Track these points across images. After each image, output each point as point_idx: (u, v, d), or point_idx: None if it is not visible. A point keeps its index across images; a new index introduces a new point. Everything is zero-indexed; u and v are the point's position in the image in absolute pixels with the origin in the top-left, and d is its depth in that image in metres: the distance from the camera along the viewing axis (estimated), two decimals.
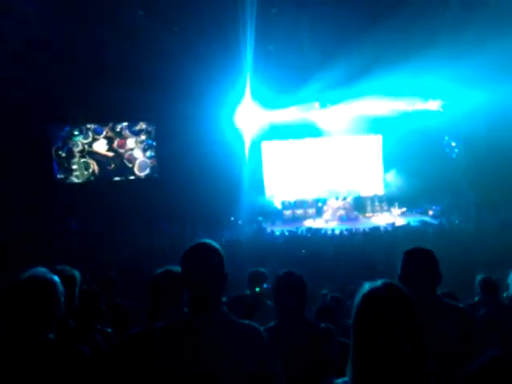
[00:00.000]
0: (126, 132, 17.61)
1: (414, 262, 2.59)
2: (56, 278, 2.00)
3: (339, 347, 2.77)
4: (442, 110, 16.92)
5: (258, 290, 4.10)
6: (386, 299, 1.42)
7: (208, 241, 2.04)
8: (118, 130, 17.55)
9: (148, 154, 17.69)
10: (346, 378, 1.48)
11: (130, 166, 17.66)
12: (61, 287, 2.00)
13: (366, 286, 1.47)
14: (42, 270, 2.00)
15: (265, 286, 4.19)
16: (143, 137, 17.65)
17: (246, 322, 1.98)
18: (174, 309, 2.36)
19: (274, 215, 17.55)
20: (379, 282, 1.47)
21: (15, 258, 9.73)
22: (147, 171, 17.71)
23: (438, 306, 2.54)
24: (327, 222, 16.35)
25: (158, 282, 2.55)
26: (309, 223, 16.35)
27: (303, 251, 11.24)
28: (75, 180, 17.32)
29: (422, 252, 2.66)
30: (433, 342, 2.16)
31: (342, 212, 17.16)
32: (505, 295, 4.30)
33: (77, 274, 2.85)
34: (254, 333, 1.93)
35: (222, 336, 1.87)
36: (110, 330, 3.04)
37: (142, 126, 17.59)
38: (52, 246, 12.00)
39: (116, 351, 2.52)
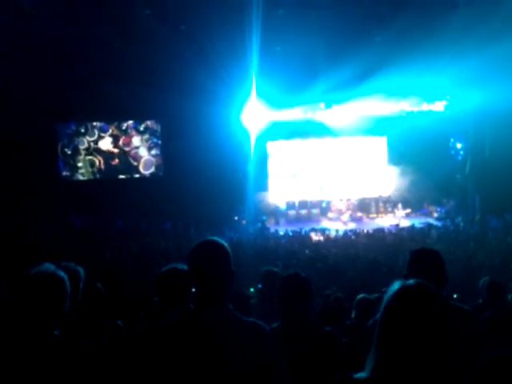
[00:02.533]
0: (132, 130, 17.65)
1: (420, 262, 2.58)
2: (64, 275, 2.02)
3: (345, 349, 2.76)
4: (446, 111, 16.83)
5: (252, 290, 4.07)
6: (418, 297, 1.45)
7: (215, 238, 2.05)
8: (123, 128, 17.59)
9: (153, 152, 17.72)
10: (363, 373, 1.50)
11: (135, 164, 17.70)
12: (68, 284, 2.02)
13: (398, 284, 1.50)
14: (50, 267, 2.01)
15: (259, 286, 4.15)
16: (149, 135, 17.68)
17: (251, 319, 1.99)
18: (179, 305, 2.37)
19: (278, 215, 17.56)
20: (412, 281, 1.50)
21: (16, 252, 9.78)
22: (152, 169, 17.74)
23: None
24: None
25: (164, 280, 2.56)
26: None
27: (307, 251, 11.24)
28: (80, 177, 17.38)
29: (429, 252, 2.66)
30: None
31: (348, 213, 17.07)
32: (510, 297, 4.30)
33: (81, 270, 2.87)
34: (260, 330, 1.94)
35: (228, 332, 1.88)
36: (119, 323, 3.05)
37: (148, 124, 17.63)
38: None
39: (124, 347, 2.53)
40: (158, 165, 17.69)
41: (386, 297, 1.50)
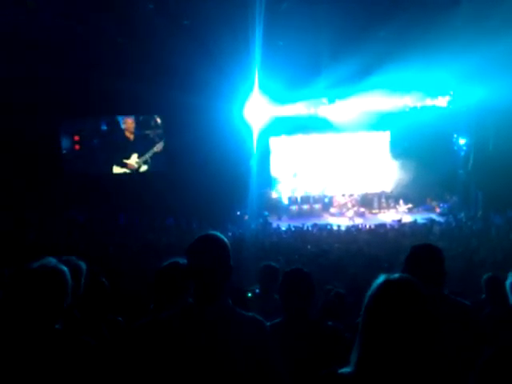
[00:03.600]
0: (135, 125, 17.65)
1: (418, 258, 2.59)
2: (66, 269, 2.03)
3: (346, 344, 2.76)
4: (450, 106, 16.77)
5: (249, 295, 4.05)
6: (402, 290, 1.45)
7: (215, 232, 2.05)
8: (126, 122, 17.58)
9: (156, 147, 17.71)
10: (348, 368, 1.50)
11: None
12: (70, 279, 2.03)
13: (383, 277, 1.50)
14: (52, 261, 2.02)
15: (256, 291, 4.13)
16: (151, 130, 17.68)
17: (250, 314, 2.00)
18: (179, 300, 2.38)
19: (280, 210, 17.56)
20: (396, 275, 1.50)
21: (18, 247, 9.81)
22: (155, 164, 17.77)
23: (443, 302, 2.54)
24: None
25: (165, 274, 2.57)
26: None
27: (308, 247, 11.24)
28: (84, 172, 17.36)
29: (428, 248, 2.67)
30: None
31: (354, 209, 17.02)
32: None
33: (83, 264, 2.88)
34: (257, 324, 1.95)
35: (226, 326, 1.89)
36: (120, 319, 3.07)
37: (150, 119, 17.62)
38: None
39: (124, 341, 2.54)
40: (161, 160, 17.69)
41: (370, 290, 1.50)
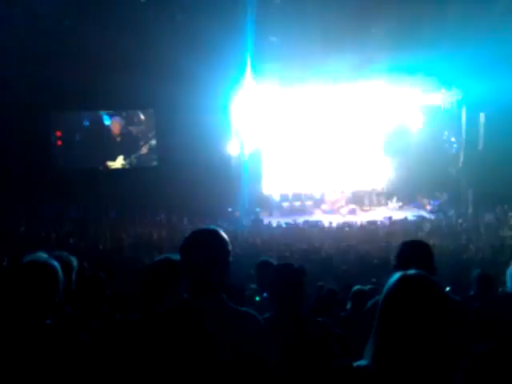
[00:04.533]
0: (125, 120, 17.55)
1: (408, 253, 2.61)
2: (57, 264, 2.01)
3: (336, 339, 2.78)
4: (441, 104, 16.86)
5: (248, 293, 4.05)
6: (419, 286, 1.47)
7: (213, 227, 2.04)
8: (117, 117, 17.48)
9: (142, 150, 17.64)
10: (363, 361, 1.52)
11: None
12: (61, 274, 2.02)
13: (399, 274, 1.52)
14: (43, 256, 2.01)
15: (264, 295, 4.13)
16: (142, 125, 17.60)
17: (244, 309, 2.00)
18: (171, 296, 2.37)
19: (271, 207, 17.56)
20: (413, 271, 1.52)
21: (9, 242, 9.76)
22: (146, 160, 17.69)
23: None
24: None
25: (157, 269, 2.56)
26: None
27: (300, 243, 11.27)
28: (75, 167, 17.23)
29: (417, 244, 2.70)
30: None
31: (348, 206, 17.01)
32: (501, 290, 4.34)
33: (74, 260, 2.87)
34: (252, 319, 1.95)
35: (221, 321, 1.89)
36: (117, 315, 3.06)
37: (141, 114, 17.52)
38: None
39: (117, 337, 2.54)
40: (152, 155, 17.63)
41: (387, 285, 1.52)
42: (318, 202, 17.73)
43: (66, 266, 2.62)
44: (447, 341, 1.45)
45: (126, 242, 11.79)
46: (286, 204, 17.77)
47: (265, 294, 3.80)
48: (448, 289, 4.59)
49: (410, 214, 15.64)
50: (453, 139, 17.34)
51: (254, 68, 14.61)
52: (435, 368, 1.42)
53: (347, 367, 1.53)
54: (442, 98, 16.79)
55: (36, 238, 11.27)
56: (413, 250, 2.64)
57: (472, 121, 16.01)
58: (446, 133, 17.56)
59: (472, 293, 4.28)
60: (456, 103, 16.36)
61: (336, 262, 8.91)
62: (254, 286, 4.37)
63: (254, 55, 13.94)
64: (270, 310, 2.73)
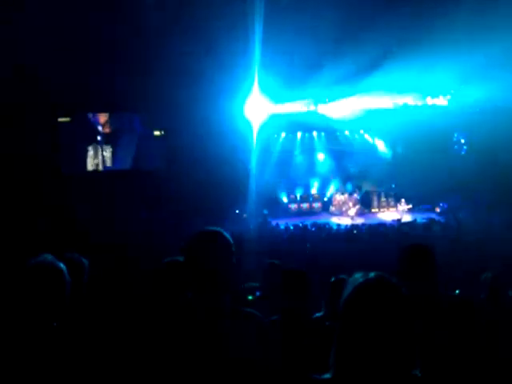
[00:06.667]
0: (132, 122, 17.61)
1: (410, 258, 2.59)
2: (63, 267, 2.01)
3: None
4: (450, 105, 16.77)
5: (250, 298, 4.04)
6: (378, 291, 1.38)
7: (218, 228, 2.02)
8: (122, 120, 17.54)
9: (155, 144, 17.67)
10: (328, 374, 1.43)
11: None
12: (67, 276, 2.01)
13: (358, 277, 1.44)
14: (48, 257, 2.00)
15: (257, 294, 4.11)
16: (150, 128, 17.64)
17: (249, 310, 1.98)
18: (179, 297, 2.37)
19: (279, 209, 17.53)
20: (372, 274, 1.43)
21: (17, 244, 9.77)
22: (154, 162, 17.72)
23: (439, 301, 2.52)
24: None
25: (163, 271, 2.56)
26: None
27: (308, 245, 11.24)
28: (80, 170, 17.30)
29: (417, 248, 2.66)
30: (431, 333, 2.17)
31: (356, 208, 16.95)
32: (511, 294, 4.29)
33: (85, 262, 2.85)
34: (256, 321, 1.94)
35: (225, 321, 1.88)
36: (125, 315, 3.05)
37: (149, 116, 17.57)
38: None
39: (122, 338, 2.53)
40: (161, 158, 17.65)
41: (346, 290, 1.43)
42: (327, 204, 17.67)
43: (78, 267, 2.61)
44: (408, 346, 1.35)
45: (132, 244, 11.80)
46: (293, 206, 17.73)
47: (249, 297, 3.80)
48: (457, 292, 4.54)
49: (419, 217, 15.54)
50: (462, 141, 17.22)
51: (261, 72, 14.66)
52: (395, 375, 1.33)
53: (307, 380, 1.47)
54: (449, 99, 16.75)
55: (45, 240, 11.29)
56: (412, 254, 2.61)
57: (482, 122, 15.88)
58: (456, 134, 17.45)
59: (483, 296, 4.23)
60: (466, 104, 16.27)
61: (344, 265, 8.84)
62: (249, 284, 4.34)
63: (262, 57, 13.96)
64: (270, 311, 2.73)
